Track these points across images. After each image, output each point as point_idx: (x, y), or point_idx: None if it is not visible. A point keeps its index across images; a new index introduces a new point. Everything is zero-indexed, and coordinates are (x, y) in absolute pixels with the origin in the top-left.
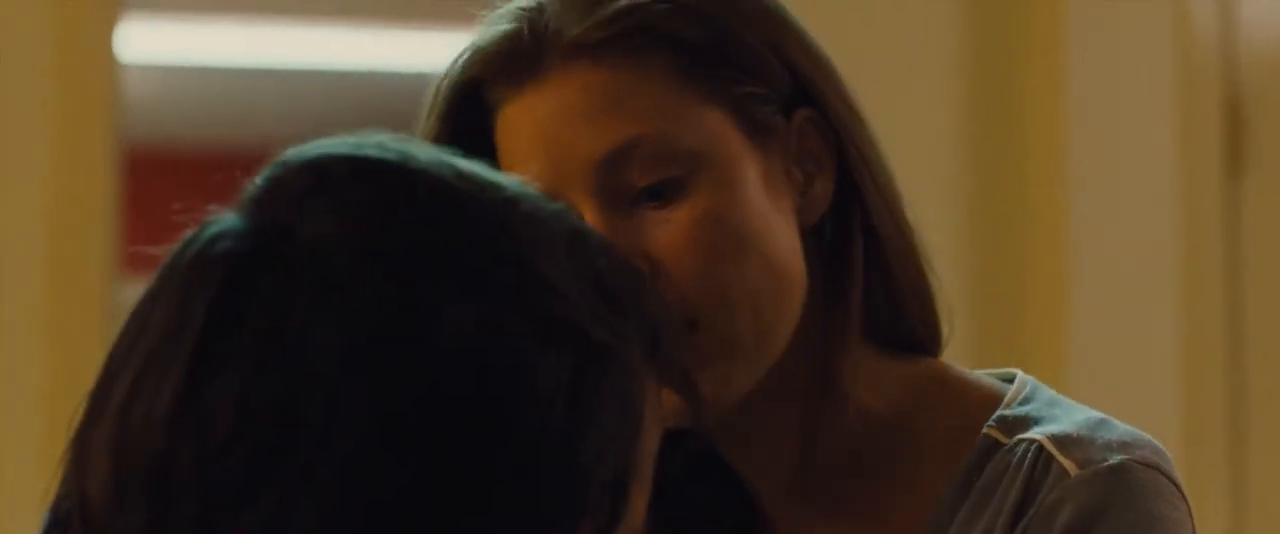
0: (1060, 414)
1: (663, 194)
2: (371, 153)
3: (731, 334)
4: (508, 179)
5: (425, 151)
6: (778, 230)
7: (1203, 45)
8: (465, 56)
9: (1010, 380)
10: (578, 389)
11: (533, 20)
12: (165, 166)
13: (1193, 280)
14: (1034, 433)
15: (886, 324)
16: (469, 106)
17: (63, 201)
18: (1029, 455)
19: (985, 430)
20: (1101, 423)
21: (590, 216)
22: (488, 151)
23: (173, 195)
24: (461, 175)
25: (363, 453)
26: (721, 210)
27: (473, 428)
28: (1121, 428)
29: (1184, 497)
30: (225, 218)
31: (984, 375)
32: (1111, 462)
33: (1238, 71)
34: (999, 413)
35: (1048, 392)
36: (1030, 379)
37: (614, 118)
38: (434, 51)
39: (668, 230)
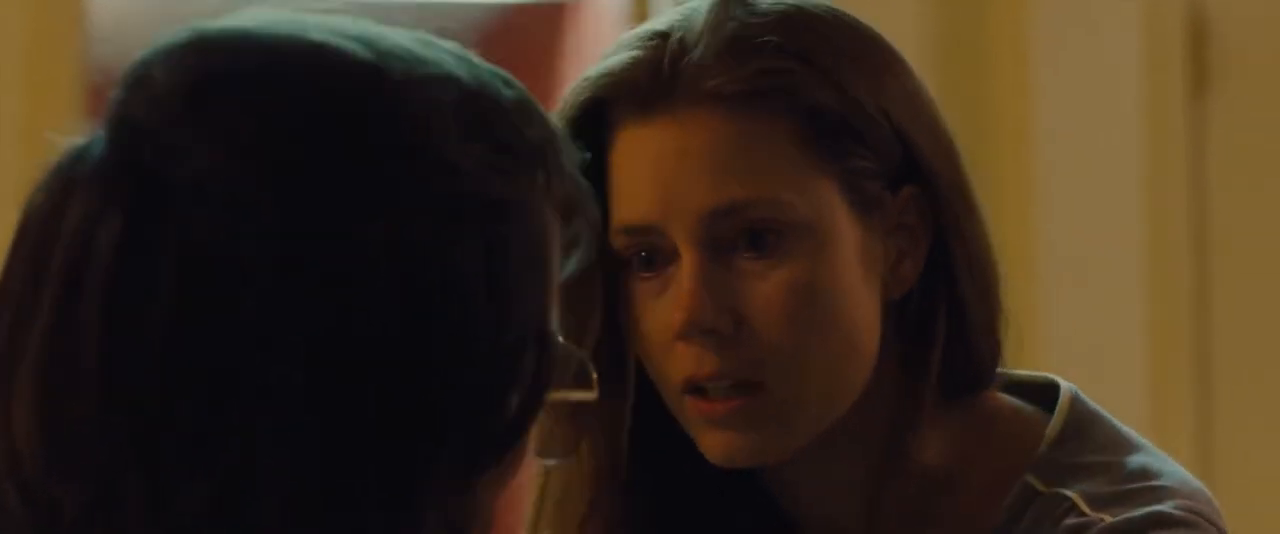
0: (1101, 459)
1: (761, 246)
2: (237, 61)
3: (792, 400)
4: (363, 32)
5: (283, 28)
6: (861, 305)
7: None
8: (596, 77)
9: (1054, 391)
10: (494, 261)
11: (675, 56)
12: None
13: (1157, 199)
14: (1070, 492)
15: (954, 376)
16: (591, 122)
17: (30, 129)
18: (1063, 510)
19: (1025, 477)
20: (1142, 472)
21: (687, 260)
22: (602, 164)
23: None
24: (322, 53)
25: (299, 380)
26: (814, 281)
27: (402, 335)
28: (1163, 476)
29: (1222, 533)
30: (99, 160)
31: (1021, 404)
32: (1148, 510)
33: None
34: (1039, 453)
35: (1086, 412)
36: (1072, 393)
37: (733, 174)
38: None
39: (760, 289)
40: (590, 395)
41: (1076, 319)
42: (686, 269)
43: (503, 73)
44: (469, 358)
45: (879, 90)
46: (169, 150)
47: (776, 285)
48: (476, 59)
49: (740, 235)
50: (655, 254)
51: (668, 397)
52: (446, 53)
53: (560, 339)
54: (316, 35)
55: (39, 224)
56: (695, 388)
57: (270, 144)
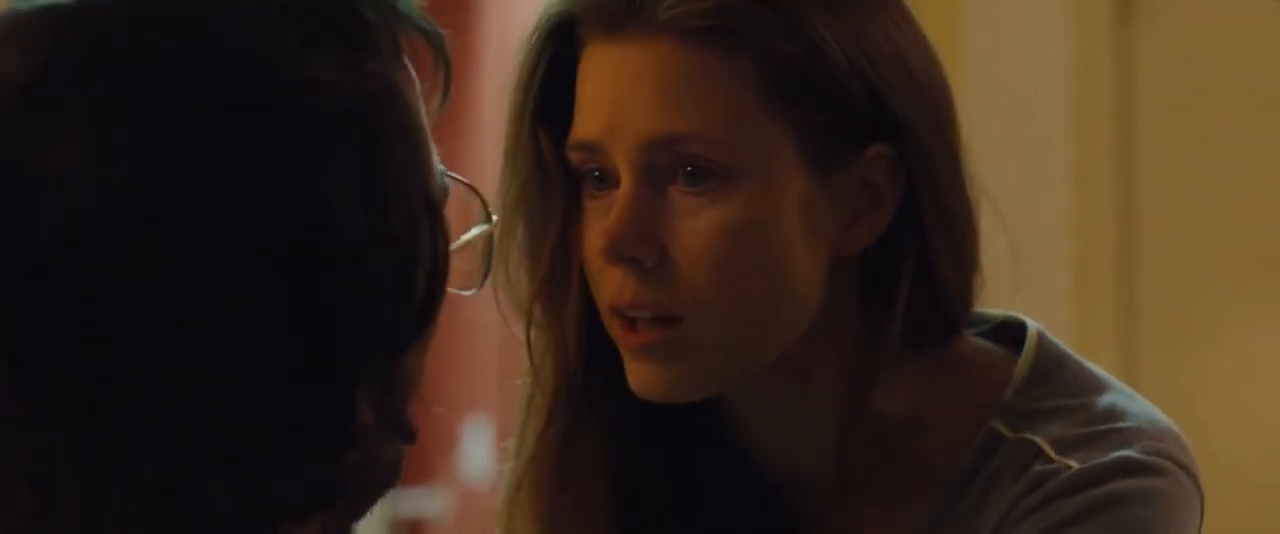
0: (1067, 402)
1: (698, 182)
2: (69, 42)
3: (709, 341)
4: None
5: None
6: (797, 258)
7: None
8: None
9: (1021, 331)
10: (370, 162)
11: None
12: None
13: (1083, 123)
14: (1037, 437)
15: (922, 328)
16: (563, 38)
17: None
18: (1030, 455)
19: (992, 424)
20: (1108, 413)
21: (624, 182)
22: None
23: None
24: (144, 14)
25: (215, 322)
26: (747, 227)
27: (300, 261)
28: (1129, 416)
29: (1191, 475)
30: None
31: (989, 345)
32: (1114, 456)
33: None
34: (1005, 400)
35: (1053, 354)
36: (1039, 332)
37: (679, 105)
38: None
39: (689, 225)
40: (487, 227)
41: (1003, 246)
42: (620, 193)
43: None
44: (368, 258)
45: (854, 42)
46: (31, 143)
47: (706, 224)
48: None
49: (679, 168)
50: (605, 175)
51: (604, 320)
52: None
53: (447, 182)
54: None
55: None
56: (622, 316)
57: (123, 123)
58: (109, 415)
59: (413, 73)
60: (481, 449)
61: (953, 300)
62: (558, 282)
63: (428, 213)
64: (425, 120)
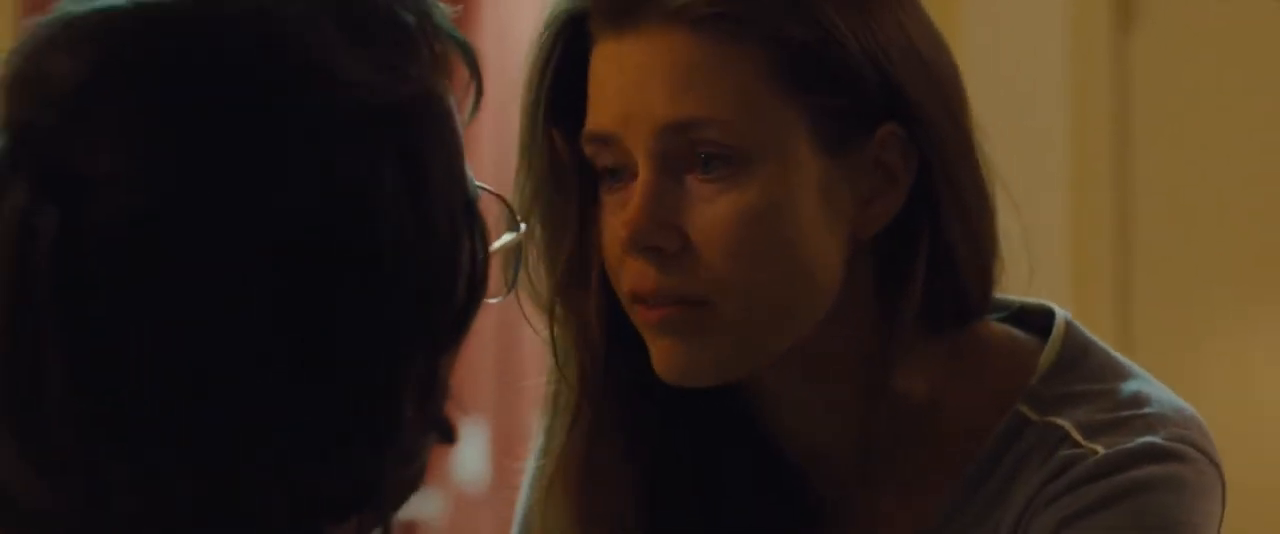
0: (1093, 387)
1: (715, 169)
2: (125, 46)
3: (733, 322)
4: None
5: None
6: (816, 241)
7: None
8: None
9: (1048, 318)
10: (410, 167)
11: None
12: None
13: (1082, 128)
14: (1063, 420)
15: (942, 310)
16: (573, 34)
17: None
18: (1056, 440)
19: (1018, 406)
20: (1134, 399)
21: (641, 174)
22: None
23: None
24: (200, 15)
25: (264, 334)
26: (765, 211)
27: (346, 270)
28: (1154, 402)
29: (1214, 463)
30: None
31: (1015, 331)
32: (1140, 441)
33: None
34: (1032, 385)
35: (1080, 342)
36: (1066, 320)
37: (692, 92)
38: None
39: (708, 212)
40: (518, 235)
41: (1003, 252)
42: (638, 183)
43: None
44: (415, 258)
45: (865, 26)
46: (79, 149)
47: (724, 210)
48: None
49: (695, 156)
50: (621, 168)
51: (626, 310)
52: None
53: (479, 190)
54: None
55: None
56: (643, 302)
57: (176, 126)
58: (168, 413)
59: (448, 81)
60: (476, 453)
61: (971, 283)
62: (577, 277)
63: (468, 217)
64: (460, 127)
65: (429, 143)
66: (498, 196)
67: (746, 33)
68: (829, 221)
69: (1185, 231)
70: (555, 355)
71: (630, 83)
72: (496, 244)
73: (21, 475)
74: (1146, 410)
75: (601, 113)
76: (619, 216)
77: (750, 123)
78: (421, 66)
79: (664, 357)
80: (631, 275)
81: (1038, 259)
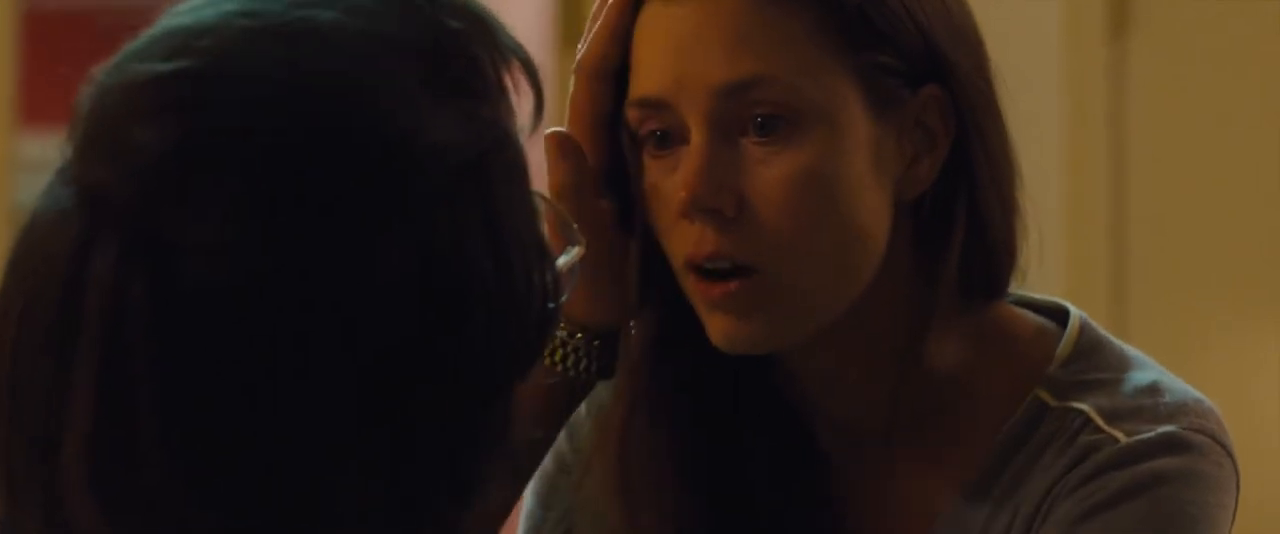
0: (1110, 376)
1: (770, 131)
2: (213, 114)
3: (785, 288)
4: (306, 22)
5: (233, 48)
6: (868, 202)
7: None
8: None
9: (1064, 315)
10: (492, 219)
11: None
12: (68, 22)
13: (1077, 141)
14: (1084, 405)
15: (973, 280)
16: (629, 8)
17: None
18: (1078, 425)
19: (1036, 392)
20: (1152, 388)
21: (696, 137)
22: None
23: (74, 50)
24: (292, 80)
25: (353, 404)
26: (820, 170)
27: (435, 328)
28: (1171, 391)
29: (1230, 455)
30: (89, 232)
31: (1036, 317)
32: (1160, 431)
33: None
34: (1050, 372)
35: (1096, 334)
36: (1081, 317)
37: (747, 51)
38: None
39: (763, 174)
40: (580, 250)
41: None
42: (693, 147)
43: None
44: (495, 321)
45: None
46: (166, 218)
47: (781, 170)
48: None
49: (749, 118)
50: (669, 132)
51: (678, 276)
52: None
53: (544, 208)
54: (272, 52)
55: (40, 309)
56: (697, 267)
57: (266, 196)
58: (256, 473)
59: (515, 110)
60: None
61: (1001, 252)
62: (615, 250)
63: (540, 259)
64: (526, 154)
65: (505, 189)
66: (558, 211)
67: None
68: (878, 182)
69: (1180, 237)
70: None
71: (683, 46)
72: (562, 261)
73: (102, 530)
74: (1166, 399)
75: (652, 76)
76: (671, 181)
77: (805, 82)
78: (494, 107)
79: (722, 329)
80: (689, 240)
81: (1032, 264)
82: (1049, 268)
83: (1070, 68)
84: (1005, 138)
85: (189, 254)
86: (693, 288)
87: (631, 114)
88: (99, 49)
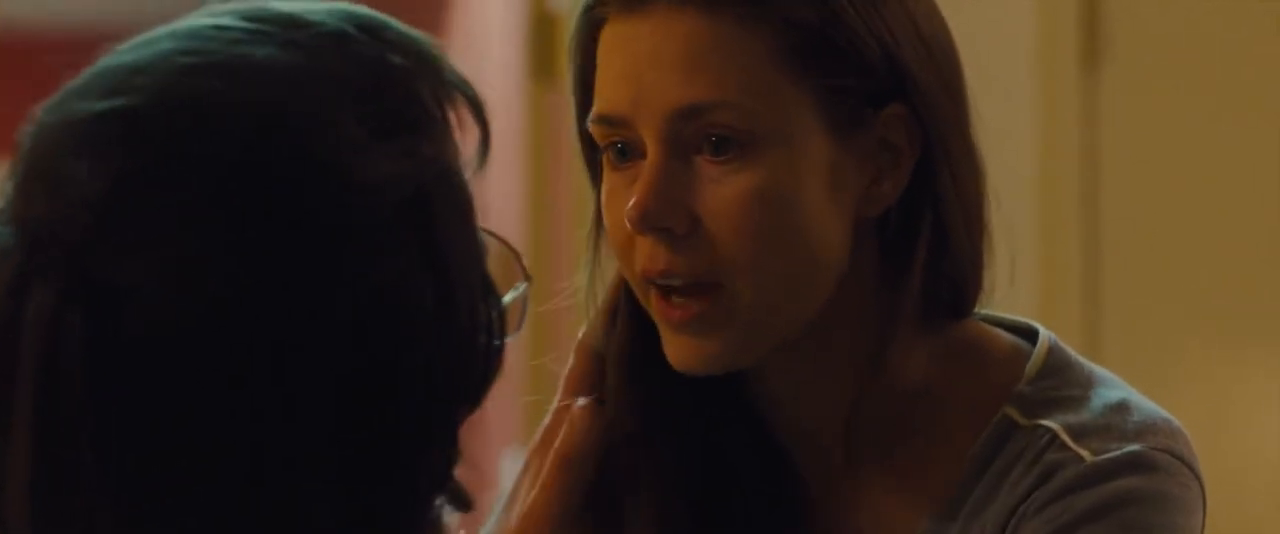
0: (1078, 393)
1: (724, 151)
2: (149, 151)
3: (747, 306)
4: (238, 58)
5: (169, 83)
6: (825, 221)
7: None
8: None
9: (1034, 335)
10: (433, 252)
11: None
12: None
13: (1049, 171)
14: (1052, 422)
15: (939, 297)
16: (586, 13)
17: None
18: (1044, 442)
19: (1004, 410)
20: (1120, 406)
21: (650, 155)
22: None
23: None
24: (222, 116)
25: (293, 439)
26: (775, 191)
27: (376, 362)
28: (1139, 411)
29: (1197, 476)
30: (27, 265)
31: (1006, 335)
32: (1127, 450)
33: None
34: (1018, 389)
35: (1065, 354)
36: (1050, 338)
37: (703, 75)
38: None
39: (716, 193)
40: (525, 287)
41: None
42: (648, 164)
43: (379, 25)
44: (436, 360)
45: (871, 9)
46: (105, 257)
47: (734, 190)
48: (355, 20)
49: (704, 138)
50: (629, 148)
51: (637, 291)
52: (328, 36)
53: (489, 245)
54: (208, 89)
55: None
56: (658, 287)
57: (201, 235)
58: (196, 506)
59: (458, 141)
60: None
61: (966, 270)
62: (588, 263)
63: (485, 291)
64: (472, 187)
65: (448, 226)
66: (508, 246)
67: (757, 15)
68: (836, 202)
69: (1153, 260)
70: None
71: (641, 65)
72: (507, 298)
73: None
74: (1133, 418)
75: (611, 95)
76: (627, 197)
77: (760, 106)
78: (436, 143)
79: (679, 350)
80: (641, 256)
81: (1004, 293)
82: (1022, 289)
83: (1043, 99)
84: (973, 155)
85: (126, 293)
86: (654, 306)
87: (594, 130)
88: (54, 81)
